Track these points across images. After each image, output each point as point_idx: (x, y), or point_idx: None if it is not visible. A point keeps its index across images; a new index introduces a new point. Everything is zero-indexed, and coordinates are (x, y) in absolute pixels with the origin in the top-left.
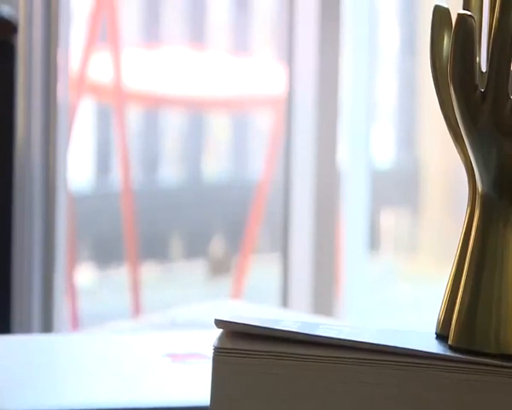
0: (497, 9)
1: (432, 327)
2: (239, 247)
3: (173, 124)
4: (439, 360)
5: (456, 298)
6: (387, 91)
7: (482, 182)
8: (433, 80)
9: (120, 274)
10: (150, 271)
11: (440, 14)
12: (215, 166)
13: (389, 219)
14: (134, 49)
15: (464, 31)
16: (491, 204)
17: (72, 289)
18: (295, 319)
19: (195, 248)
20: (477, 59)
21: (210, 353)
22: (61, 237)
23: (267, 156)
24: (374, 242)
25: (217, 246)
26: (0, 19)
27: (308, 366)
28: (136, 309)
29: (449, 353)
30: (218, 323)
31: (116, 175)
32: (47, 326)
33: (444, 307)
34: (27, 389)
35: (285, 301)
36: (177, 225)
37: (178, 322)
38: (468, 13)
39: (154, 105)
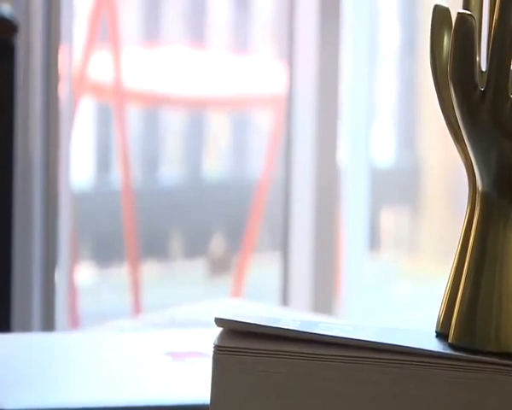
0: (496, 9)
1: (432, 326)
2: (239, 246)
3: (173, 123)
4: (440, 358)
5: (457, 296)
6: (387, 91)
7: (482, 181)
8: (433, 80)
9: (120, 273)
10: (150, 269)
11: (440, 13)
12: (215, 165)
13: (389, 219)
14: (134, 49)
15: (464, 30)
16: (491, 203)
17: (72, 288)
18: (295, 317)
19: (195, 247)
20: (477, 58)
21: (210, 351)
22: (63, 236)
23: (267, 155)
24: (374, 241)
25: (217, 245)
26: (0, 18)
27: (308, 364)
28: (137, 308)
29: (449, 351)
30: (218, 321)
31: (116, 174)
32: (47, 325)
33: (444, 305)
34: (27, 387)
35: (285, 300)
36: (178, 223)
37: (178, 321)
38: (468, 12)
39: (154, 104)
